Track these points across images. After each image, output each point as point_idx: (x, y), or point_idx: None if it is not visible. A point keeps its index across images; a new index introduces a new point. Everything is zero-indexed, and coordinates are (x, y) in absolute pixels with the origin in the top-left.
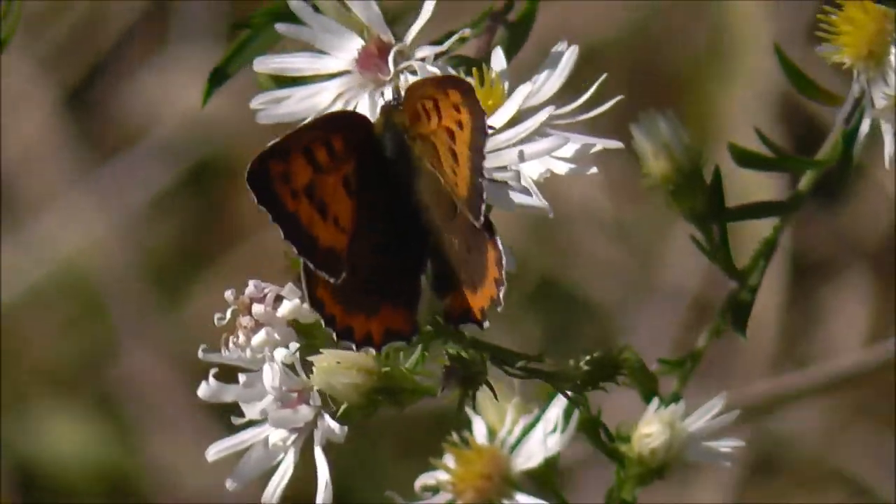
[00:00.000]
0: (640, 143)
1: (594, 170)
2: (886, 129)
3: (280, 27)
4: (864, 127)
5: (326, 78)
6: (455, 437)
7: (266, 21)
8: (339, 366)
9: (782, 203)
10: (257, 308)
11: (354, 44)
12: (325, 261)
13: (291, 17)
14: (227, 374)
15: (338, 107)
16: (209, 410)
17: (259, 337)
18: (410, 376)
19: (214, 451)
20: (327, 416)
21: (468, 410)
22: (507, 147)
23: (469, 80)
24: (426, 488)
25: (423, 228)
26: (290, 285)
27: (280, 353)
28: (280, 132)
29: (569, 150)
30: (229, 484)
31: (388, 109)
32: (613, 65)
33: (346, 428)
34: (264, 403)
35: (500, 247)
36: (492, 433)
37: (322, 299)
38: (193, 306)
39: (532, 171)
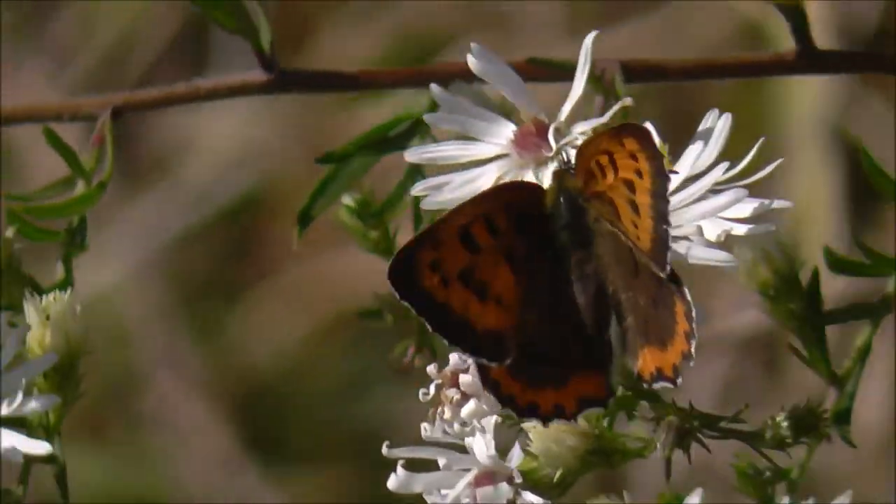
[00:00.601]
0: (741, 253)
1: (772, 227)
2: None
3: (428, 117)
4: None
5: (481, 163)
6: None
7: (354, 150)
8: (555, 430)
9: (875, 305)
10: (464, 378)
11: (505, 127)
12: (485, 345)
13: (381, 146)
14: None
15: None
16: (240, 442)
17: (469, 407)
18: (620, 438)
19: None
20: (527, 492)
21: None
22: (683, 206)
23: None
24: None
25: (604, 289)
26: None
27: (490, 422)
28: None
29: (747, 208)
30: None
31: (559, 175)
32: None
33: (548, 502)
34: (460, 488)
35: (689, 298)
36: None
37: (497, 379)
38: (226, 337)
39: (710, 232)
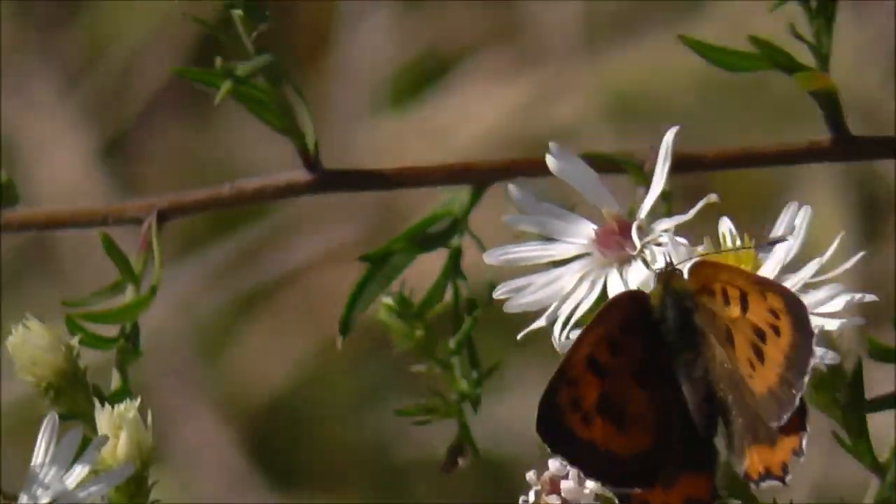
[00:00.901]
0: None
1: (862, 321)
2: None
3: (508, 219)
4: None
5: (562, 263)
6: None
7: (394, 249)
8: None
9: None
10: (566, 484)
11: (583, 226)
12: (634, 473)
13: (427, 241)
14: None
15: (583, 289)
16: (249, 458)
17: None
18: None
19: None
20: None
21: None
22: None
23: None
24: None
25: (712, 390)
26: None
27: None
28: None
29: (839, 303)
30: None
31: (665, 275)
32: None
33: None
34: None
35: (803, 401)
36: None
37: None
38: (236, 351)
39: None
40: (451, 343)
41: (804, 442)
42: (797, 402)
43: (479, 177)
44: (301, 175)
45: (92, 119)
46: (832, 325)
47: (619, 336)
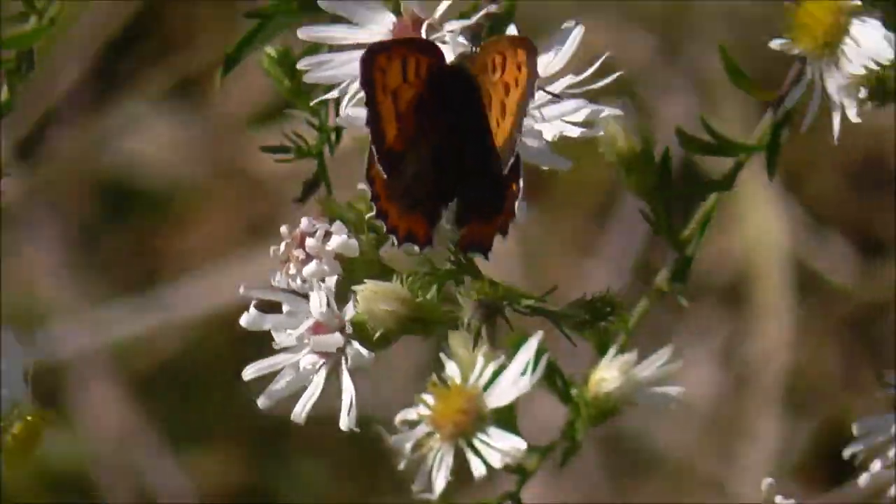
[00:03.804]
0: (607, 128)
1: (601, 132)
2: (847, 104)
3: (322, 3)
4: (814, 108)
5: (361, 47)
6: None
7: (275, 10)
8: (379, 294)
9: (717, 181)
10: (310, 242)
11: (387, 18)
12: (386, 157)
13: (307, 4)
14: None
15: None
16: (143, 418)
17: (310, 267)
18: (439, 307)
19: (251, 371)
20: (356, 343)
21: (442, 356)
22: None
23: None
24: (407, 423)
25: (463, 156)
26: (337, 223)
27: (331, 281)
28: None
29: (581, 114)
30: (261, 402)
31: (464, 55)
32: None
33: (373, 354)
34: (300, 331)
35: (521, 186)
36: (464, 378)
37: (378, 189)
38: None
39: (548, 132)
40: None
41: (510, 224)
42: (517, 142)
43: None
44: None
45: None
46: (573, 132)
47: (421, 66)
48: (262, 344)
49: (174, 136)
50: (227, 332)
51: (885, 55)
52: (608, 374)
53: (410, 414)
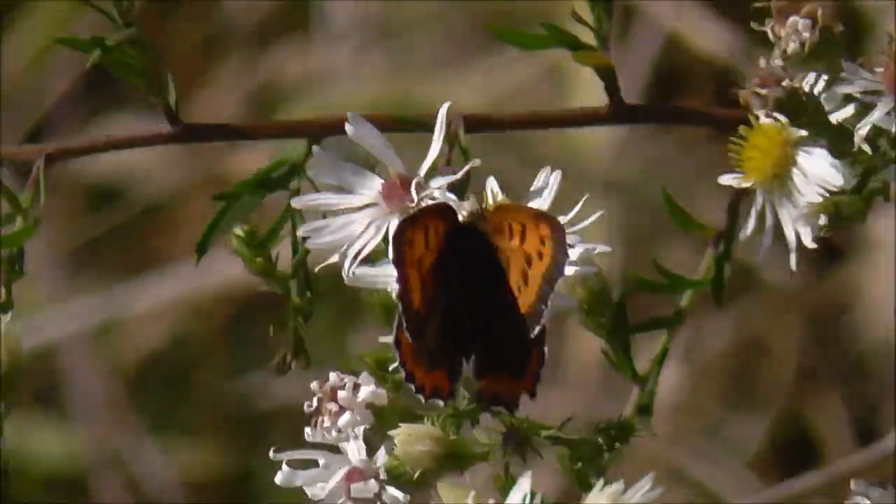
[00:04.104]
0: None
1: (595, 269)
2: (802, 232)
3: (311, 173)
4: (767, 241)
5: (354, 210)
6: None
7: (243, 190)
8: (414, 437)
9: (668, 318)
10: (342, 394)
11: (374, 181)
12: (413, 323)
13: (265, 186)
14: None
15: (370, 233)
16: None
17: (345, 418)
18: (469, 444)
19: None
20: (391, 487)
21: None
22: None
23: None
24: None
25: (479, 318)
26: (364, 374)
27: (361, 430)
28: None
29: (575, 253)
30: None
31: (475, 214)
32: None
33: (408, 496)
34: (333, 482)
35: (545, 350)
36: None
37: (406, 359)
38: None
39: None
40: (290, 267)
41: (536, 386)
42: (545, 313)
43: (315, 131)
44: (165, 127)
45: None
46: (570, 269)
47: (439, 231)
48: (245, 336)
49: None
50: (212, 323)
51: (835, 181)
52: (601, 502)
53: None
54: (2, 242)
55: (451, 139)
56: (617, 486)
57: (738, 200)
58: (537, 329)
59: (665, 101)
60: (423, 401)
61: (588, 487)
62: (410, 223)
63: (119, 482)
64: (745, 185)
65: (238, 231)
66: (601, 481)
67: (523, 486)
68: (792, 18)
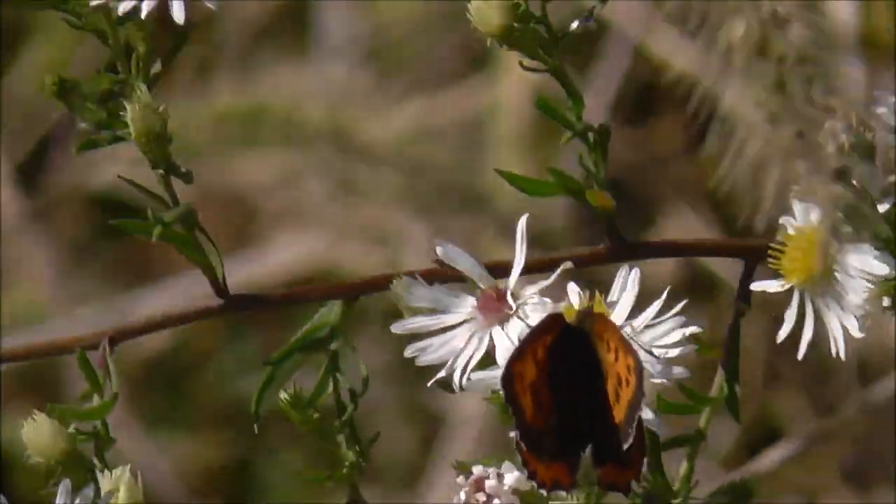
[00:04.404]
0: None
1: (695, 347)
2: (850, 325)
3: (407, 297)
4: (808, 337)
5: (453, 328)
6: None
7: (288, 354)
8: None
9: (691, 436)
10: (489, 483)
11: (467, 300)
12: (527, 434)
13: (308, 348)
14: None
15: (473, 344)
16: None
17: None
18: None
19: None
20: None
21: None
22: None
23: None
24: None
25: (590, 413)
26: (506, 463)
27: None
28: None
29: (676, 335)
30: None
31: (583, 314)
32: None
33: None
34: None
35: (644, 449)
36: None
37: (527, 461)
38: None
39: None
40: (337, 423)
41: (640, 474)
42: (631, 439)
43: (350, 291)
44: (213, 301)
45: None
46: (673, 352)
47: (546, 346)
48: (243, 339)
49: None
50: (210, 330)
51: (879, 272)
52: None
53: None
54: (85, 415)
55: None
56: None
57: (739, 321)
58: (628, 442)
59: (635, 115)
60: (546, 492)
61: None
62: (518, 358)
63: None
64: (788, 286)
65: (284, 395)
66: None
67: None
68: (829, 122)
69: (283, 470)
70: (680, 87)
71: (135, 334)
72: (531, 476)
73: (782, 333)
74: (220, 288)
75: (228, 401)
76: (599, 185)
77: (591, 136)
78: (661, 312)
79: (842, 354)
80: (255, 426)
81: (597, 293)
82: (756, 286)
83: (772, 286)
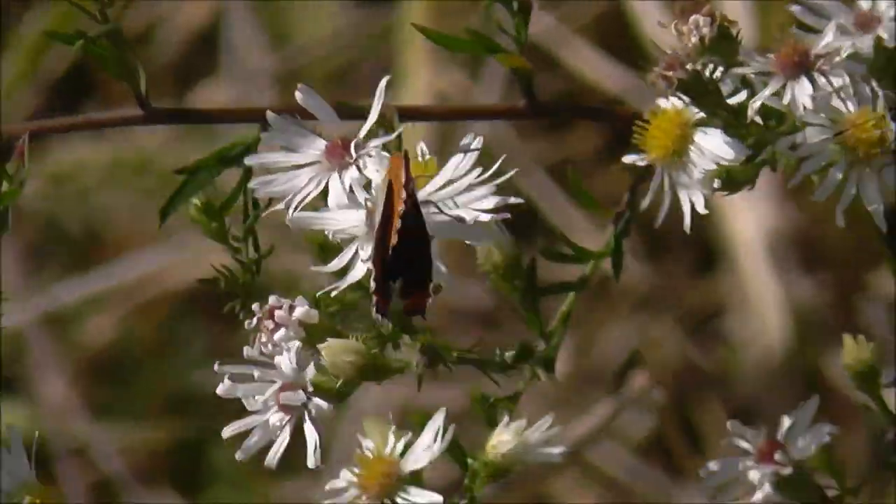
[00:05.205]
0: (483, 245)
1: (507, 215)
2: (695, 200)
3: (265, 135)
4: (665, 208)
5: (299, 167)
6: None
7: (203, 166)
8: (340, 349)
9: (574, 283)
10: (279, 313)
11: (318, 143)
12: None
13: (223, 162)
14: None
15: (312, 186)
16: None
17: (280, 333)
18: (388, 358)
19: (229, 431)
20: (317, 398)
21: (358, 436)
22: (451, 197)
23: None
24: (336, 490)
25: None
26: (300, 297)
27: (295, 344)
28: None
29: (491, 201)
30: (238, 455)
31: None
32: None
33: (332, 406)
34: (268, 394)
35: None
36: (380, 451)
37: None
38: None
39: (467, 217)
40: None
41: (430, 301)
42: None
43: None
44: (135, 111)
45: None
46: (485, 217)
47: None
48: (190, 337)
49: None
50: (158, 316)
51: (728, 156)
52: (503, 439)
53: (339, 483)
54: None
55: (385, 124)
56: (520, 422)
57: (638, 182)
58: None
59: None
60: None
61: (494, 425)
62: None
63: (74, 458)
64: (646, 162)
65: (196, 201)
66: (505, 419)
67: (437, 420)
68: (693, 16)
69: (231, 454)
70: None
71: (58, 130)
72: (377, 309)
73: (644, 203)
74: (142, 100)
75: (175, 391)
76: (519, 49)
77: (514, 3)
78: (489, 177)
79: (686, 228)
80: (158, 226)
81: (431, 156)
82: (625, 159)
83: (636, 160)
